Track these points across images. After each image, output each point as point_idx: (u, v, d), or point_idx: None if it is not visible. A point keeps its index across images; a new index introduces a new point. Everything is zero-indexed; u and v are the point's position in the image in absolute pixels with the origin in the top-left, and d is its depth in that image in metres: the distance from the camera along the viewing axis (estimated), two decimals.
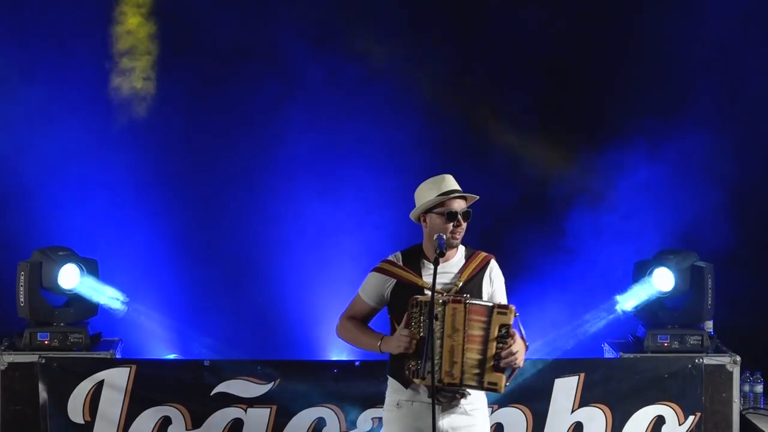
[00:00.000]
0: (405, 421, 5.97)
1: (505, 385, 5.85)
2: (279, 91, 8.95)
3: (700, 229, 8.71)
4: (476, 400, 6.02)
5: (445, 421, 5.93)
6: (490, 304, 5.83)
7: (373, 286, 6.12)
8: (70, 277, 8.09)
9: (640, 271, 8.27)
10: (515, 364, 5.82)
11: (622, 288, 8.37)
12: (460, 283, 5.99)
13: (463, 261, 6.07)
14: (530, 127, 9.04)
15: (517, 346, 5.81)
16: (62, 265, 8.07)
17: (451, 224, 5.95)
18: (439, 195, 5.97)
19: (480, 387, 5.85)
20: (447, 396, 5.93)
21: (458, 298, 5.84)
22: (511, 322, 5.81)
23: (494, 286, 6.09)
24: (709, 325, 8.16)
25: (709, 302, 8.08)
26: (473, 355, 5.80)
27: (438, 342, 5.80)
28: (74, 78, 8.76)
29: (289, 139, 8.98)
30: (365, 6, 8.96)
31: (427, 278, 5.96)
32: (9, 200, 8.75)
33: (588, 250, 8.80)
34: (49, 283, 8.07)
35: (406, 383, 5.95)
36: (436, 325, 5.79)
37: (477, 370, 5.81)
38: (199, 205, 9.00)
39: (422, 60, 9.00)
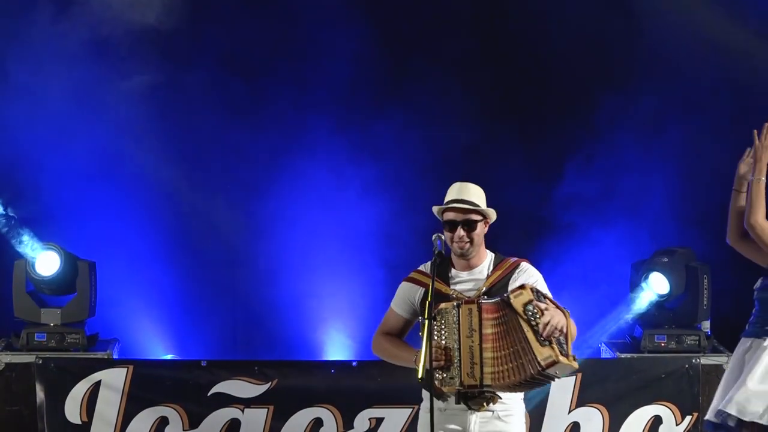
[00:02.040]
0: (436, 426, 5.83)
1: (571, 356, 5.63)
2: (282, 94, 8.96)
3: (696, 228, 8.73)
4: (512, 407, 5.90)
5: (477, 426, 5.89)
6: (496, 298, 5.71)
7: (403, 297, 6.04)
8: (47, 264, 8.05)
9: (637, 272, 8.28)
10: (559, 330, 5.64)
11: (618, 289, 8.38)
12: (484, 288, 5.97)
13: (492, 268, 6.01)
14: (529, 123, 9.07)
15: (550, 313, 5.62)
16: (37, 257, 8.05)
17: (452, 234, 5.96)
18: (443, 204, 5.98)
19: (528, 371, 5.64)
20: (476, 402, 5.88)
21: (471, 299, 5.79)
22: (532, 298, 5.65)
23: None
24: (705, 325, 8.17)
25: (706, 302, 8.09)
26: (491, 354, 5.70)
27: (456, 346, 5.77)
28: (76, 77, 8.77)
29: (289, 140, 8.98)
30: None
31: (455, 286, 5.91)
32: (14, 200, 8.75)
33: (585, 250, 8.82)
34: (34, 279, 8.05)
35: (438, 395, 5.81)
36: (453, 328, 5.77)
37: (507, 365, 5.66)
38: (197, 207, 8.99)
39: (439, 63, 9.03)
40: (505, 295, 5.75)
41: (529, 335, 5.65)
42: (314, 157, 8.95)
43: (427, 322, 5.68)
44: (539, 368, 5.62)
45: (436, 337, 5.75)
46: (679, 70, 8.92)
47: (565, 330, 5.66)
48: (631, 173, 8.87)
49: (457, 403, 5.83)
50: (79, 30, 8.75)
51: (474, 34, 9.04)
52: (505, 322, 5.71)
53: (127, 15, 8.75)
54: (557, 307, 5.72)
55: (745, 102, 8.87)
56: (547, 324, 5.62)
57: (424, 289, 5.98)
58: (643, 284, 8.19)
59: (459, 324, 5.75)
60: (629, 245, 8.66)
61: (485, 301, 5.78)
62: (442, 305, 5.81)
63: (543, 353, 5.60)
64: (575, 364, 5.63)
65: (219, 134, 8.98)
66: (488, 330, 5.74)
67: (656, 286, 8.16)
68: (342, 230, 8.93)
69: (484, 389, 5.78)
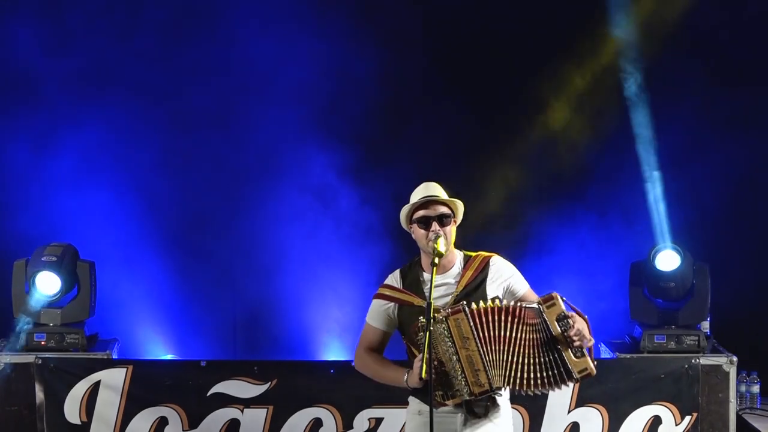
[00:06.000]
0: (426, 429, 5.81)
1: (594, 365, 5.72)
2: (279, 93, 8.97)
3: (696, 230, 8.73)
4: (500, 407, 5.89)
5: (467, 429, 5.85)
6: (534, 305, 5.69)
7: (377, 313, 6.00)
8: (48, 285, 8.03)
9: (635, 272, 8.27)
10: (587, 342, 5.68)
11: (619, 290, 8.38)
12: (458, 293, 5.88)
13: (462, 267, 5.95)
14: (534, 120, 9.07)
15: (579, 323, 5.66)
16: (40, 272, 7.99)
17: (428, 231, 5.89)
18: (414, 202, 5.92)
19: (560, 382, 5.71)
20: (481, 406, 5.87)
21: (456, 308, 5.70)
22: (564, 308, 5.66)
23: (506, 282, 5.93)
24: (705, 325, 8.16)
25: (706, 302, 8.09)
26: (500, 357, 5.68)
27: (455, 358, 5.72)
28: (83, 78, 8.78)
29: (288, 139, 8.98)
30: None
31: (426, 293, 5.82)
32: (19, 199, 8.76)
33: (583, 252, 8.81)
34: (32, 285, 8.04)
35: (436, 406, 5.76)
36: (446, 341, 5.72)
37: (532, 374, 5.68)
38: (197, 208, 9.00)
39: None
40: (537, 304, 5.69)
41: (563, 347, 5.67)
42: (314, 157, 8.95)
43: (427, 332, 5.62)
44: (574, 379, 5.71)
45: (427, 353, 5.67)
46: (682, 71, 8.92)
47: (589, 337, 5.70)
48: (629, 174, 8.87)
49: (467, 411, 5.80)
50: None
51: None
52: (542, 330, 5.68)
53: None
54: (579, 314, 5.72)
55: (743, 102, 8.88)
56: (579, 333, 5.64)
57: (395, 304, 5.95)
58: (651, 258, 8.15)
59: (451, 336, 5.69)
60: (628, 245, 8.65)
61: (471, 307, 5.70)
62: (423, 320, 5.71)
63: (579, 365, 5.68)
64: (594, 373, 5.72)
65: (218, 133, 8.97)
66: (488, 333, 5.70)
67: (663, 262, 8.11)
68: (342, 230, 8.93)
69: (495, 391, 5.74)
